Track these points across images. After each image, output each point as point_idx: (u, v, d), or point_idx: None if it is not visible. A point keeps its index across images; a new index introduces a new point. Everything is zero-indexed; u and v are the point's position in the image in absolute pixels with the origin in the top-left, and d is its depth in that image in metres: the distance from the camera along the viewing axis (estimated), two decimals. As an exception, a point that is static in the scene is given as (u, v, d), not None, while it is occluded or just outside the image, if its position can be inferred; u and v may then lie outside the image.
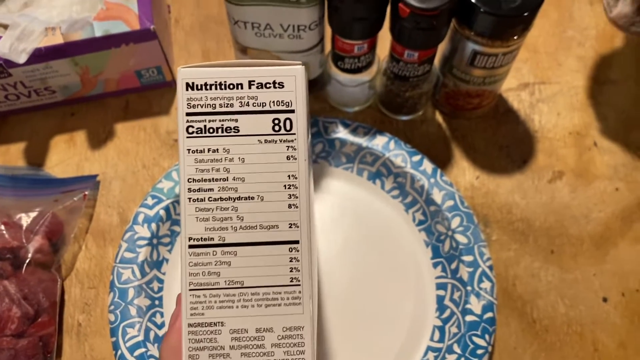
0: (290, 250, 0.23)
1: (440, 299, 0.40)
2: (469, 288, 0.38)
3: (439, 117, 0.47)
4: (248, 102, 0.23)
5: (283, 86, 0.23)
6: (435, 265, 0.41)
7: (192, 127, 0.23)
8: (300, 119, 0.23)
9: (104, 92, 0.46)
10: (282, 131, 0.23)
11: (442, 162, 0.45)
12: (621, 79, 0.48)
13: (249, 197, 0.23)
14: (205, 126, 0.23)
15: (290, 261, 0.23)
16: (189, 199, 0.23)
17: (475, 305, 0.38)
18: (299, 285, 0.23)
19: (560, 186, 0.44)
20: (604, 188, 0.44)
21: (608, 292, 0.40)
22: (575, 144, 0.45)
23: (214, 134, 0.23)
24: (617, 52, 0.50)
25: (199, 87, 0.23)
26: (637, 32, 0.41)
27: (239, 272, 0.23)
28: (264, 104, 0.23)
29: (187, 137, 0.23)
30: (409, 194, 0.43)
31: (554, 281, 0.40)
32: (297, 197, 0.23)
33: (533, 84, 0.48)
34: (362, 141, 0.44)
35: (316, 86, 0.47)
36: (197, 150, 0.23)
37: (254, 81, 0.23)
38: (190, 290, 0.23)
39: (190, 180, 0.23)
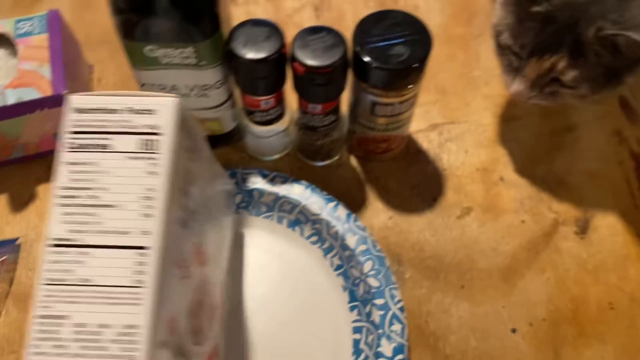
0: (140, 255, 0.25)
1: (356, 343, 0.41)
2: (380, 331, 0.40)
3: (353, 161, 0.49)
4: (123, 125, 0.27)
5: (154, 113, 0.27)
6: (352, 309, 0.42)
7: (72, 143, 0.27)
8: (167, 142, 0.27)
9: (24, 155, 0.47)
10: (148, 150, 0.26)
11: (358, 204, 0.47)
12: (525, 115, 0.51)
13: (109, 204, 0.26)
14: (82, 143, 0.27)
15: (139, 265, 0.25)
16: (58, 204, 0.26)
17: (387, 347, 0.39)
18: (143, 287, 0.25)
19: (469, 221, 0.46)
20: (511, 221, 0.46)
21: (516, 323, 0.42)
22: (482, 179, 0.48)
23: (89, 149, 0.27)
24: (521, 90, 0.52)
25: (84, 111, 0.27)
26: (536, 102, 0.44)
27: (90, 272, 0.26)
28: (135, 127, 0.27)
29: (66, 152, 0.27)
30: (327, 240, 0.44)
31: (465, 316, 0.42)
32: (153, 208, 0.26)
33: (442, 124, 0.51)
34: (280, 190, 0.45)
35: (234, 138, 0.48)
36: (72, 162, 0.26)
37: (131, 108, 0.27)
38: (43, 285, 0.25)
39: (61, 187, 0.26)
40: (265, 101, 0.42)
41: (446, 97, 0.52)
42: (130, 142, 0.27)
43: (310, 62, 0.38)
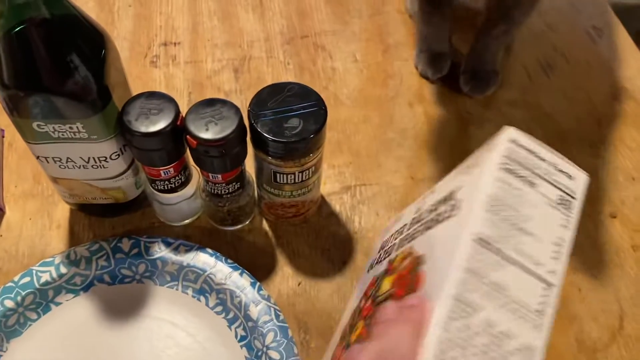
0: (545, 288, 0.27)
1: (259, 415, 0.40)
2: (280, 404, 0.39)
3: (265, 225, 0.49)
4: (548, 175, 0.30)
5: (572, 179, 0.30)
6: (255, 380, 0.41)
7: (504, 164, 0.29)
8: (577, 206, 0.30)
9: None
10: (564, 206, 0.30)
11: (267, 270, 0.46)
12: (436, 175, 0.52)
13: (529, 232, 0.28)
14: (512, 169, 0.29)
15: (543, 296, 0.27)
16: (486, 208, 0.28)
17: (287, 420, 0.38)
18: (544, 316, 0.27)
19: (378, 287, 0.46)
20: (419, 285, 0.46)
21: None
22: (392, 243, 0.48)
23: (517, 177, 0.29)
24: (432, 150, 0.53)
25: (519, 146, 0.30)
26: None
27: (505, 280, 0.27)
28: (557, 182, 0.30)
29: (498, 169, 0.29)
30: (231, 310, 0.43)
31: (369, 385, 0.42)
32: (560, 254, 0.28)
33: (355, 186, 0.51)
34: (184, 259, 0.45)
35: (141, 204, 0.48)
36: (501, 179, 0.29)
37: (556, 165, 0.30)
38: (460, 272, 0.26)
39: (490, 196, 0.28)
40: (164, 171, 0.42)
41: (360, 158, 0.53)
42: (551, 192, 0.30)
43: (203, 135, 0.38)
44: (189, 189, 0.45)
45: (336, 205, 0.50)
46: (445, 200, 0.34)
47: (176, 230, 0.48)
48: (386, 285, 0.35)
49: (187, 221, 0.48)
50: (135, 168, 0.44)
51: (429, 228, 0.34)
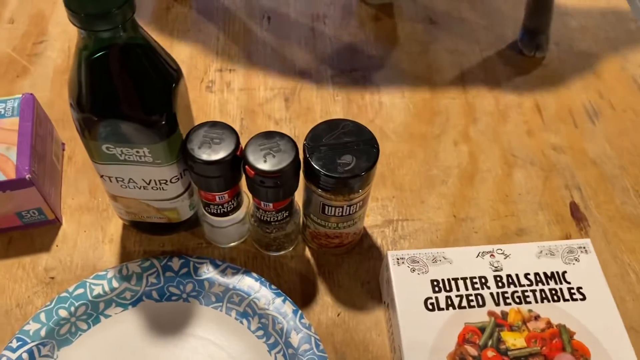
0: None
1: None
2: None
3: (308, 253, 0.50)
4: None
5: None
6: (292, 406, 0.42)
7: None
8: None
9: (-15, 231, 0.48)
10: None
11: (308, 298, 0.47)
12: (478, 215, 0.53)
13: None
14: None
15: None
16: None
17: None
18: None
19: (416, 323, 0.47)
20: (457, 324, 0.47)
21: None
22: (432, 280, 0.49)
23: None
24: (476, 190, 0.54)
25: None
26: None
27: None
28: None
29: None
30: (272, 335, 0.45)
31: (403, 421, 0.42)
32: None
33: (397, 220, 0.52)
34: (231, 282, 0.46)
35: (192, 224, 0.50)
36: None
37: None
38: None
39: None
40: (219, 196, 0.44)
41: (403, 193, 0.54)
42: None
43: (260, 166, 0.40)
44: (239, 214, 0.47)
45: (378, 238, 0.51)
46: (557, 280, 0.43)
47: (222, 252, 0.49)
48: (517, 341, 0.41)
49: (233, 244, 0.50)
50: (191, 191, 0.46)
51: (555, 300, 0.42)
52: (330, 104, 0.60)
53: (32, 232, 0.50)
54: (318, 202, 0.43)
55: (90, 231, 0.50)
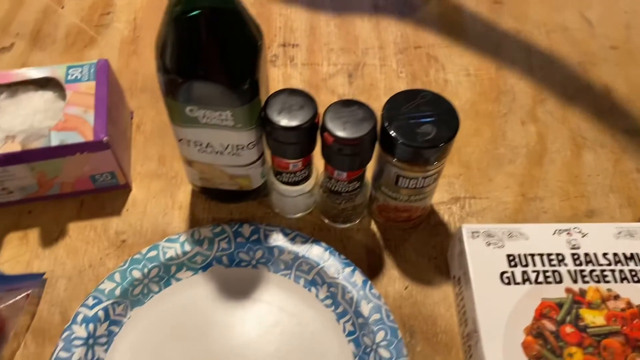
0: None
1: (363, 411, 0.41)
2: (387, 402, 0.40)
3: (374, 227, 0.50)
4: None
5: None
6: (360, 376, 0.42)
7: None
8: None
9: (60, 193, 0.49)
10: None
11: (374, 270, 0.47)
12: (547, 195, 0.52)
13: None
14: None
15: None
16: None
17: (393, 419, 0.39)
18: None
19: (484, 299, 0.46)
20: (526, 302, 0.46)
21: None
22: (500, 258, 0.48)
23: None
24: (544, 170, 0.53)
25: None
26: None
27: None
28: None
29: None
30: (341, 304, 0.45)
31: (473, 395, 0.42)
32: None
33: (464, 198, 0.51)
34: (300, 250, 0.46)
35: (260, 194, 0.50)
36: None
37: None
38: None
39: None
40: (293, 164, 0.44)
41: (470, 171, 0.53)
42: None
43: (340, 133, 0.40)
44: (308, 185, 0.47)
45: (445, 215, 0.50)
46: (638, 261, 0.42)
47: (289, 222, 0.50)
48: (596, 319, 0.40)
49: (300, 214, 0.50)
50: (264, 159, 0.46)
51: (635, 281, 0.41)
52: (394, 80, 0.60)
53: (103, 196, 0.51)
54: (392, 173, 0.43)
55: (159, 197, 0.51)
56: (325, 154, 0.42)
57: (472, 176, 0.53)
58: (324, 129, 0.40)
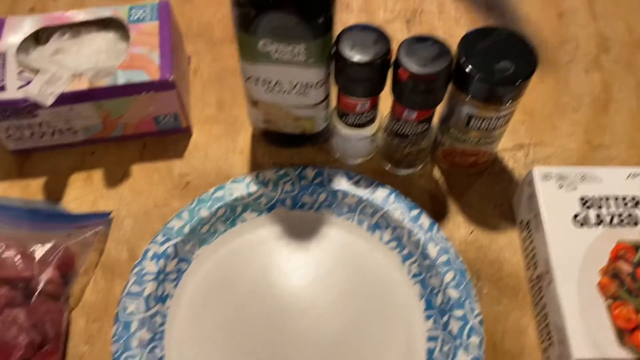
0: None
1: (430, 352, 0.41)
2: (457, 342, 0.40)
3: (436, 173, 0.49)
4: None
5: None
6: (427, 317, 0.42)
7: None
8: None
9: (123, 135, 0.50)
10: None
11: (438, 216, 0.47)
12: (613, 143, 0.50)
13: None
14: None
15: None
16: None
17: (463, 359, 0.39)
18: None
19: (551, 245, 0.45)
20: (594, 249, 0.45)
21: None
22: (567, 204, 0.47)
23: None
24: (610, 118, 0.52)
25: None
26: None
27: None
28: None
29: None
30: (406, 247, 0.44)
31: (542, 338, 0.42)
32: None
33: (528, 145, 0.50)
34: (364, 194, 0.46)
35: (321, 139, 0.49)
36: None
37: None
38: None
39: None
40: (361, 104, 0.43)
41: (534, 118, 0.52)
42: None
43: (415, 69, 0.39)
44: (372, 128, 0.46)
45: (509, 161, 0.50)
46: None
47: (348, 168, 0.49)
48: None
49: (360, 160, 0.50)
50: (329, 101, 0.45)
51: None
52: (453, 27, 0.58)
53: (165, 140, 0.51)
54: (464, 113, 0.42)
55: (220, 142, 0.51)
56: (397, 91, 0.41)
57: (536, 123, 0.52)
58: (398, 64, 0.39)
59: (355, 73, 0.40)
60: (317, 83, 0.42)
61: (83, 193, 0.48)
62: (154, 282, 0.42)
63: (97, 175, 0.49)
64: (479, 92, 0.40)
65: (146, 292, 0.41)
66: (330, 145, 0.50)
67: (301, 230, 0.46)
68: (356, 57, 0.39)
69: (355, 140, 0.47)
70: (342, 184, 0.46)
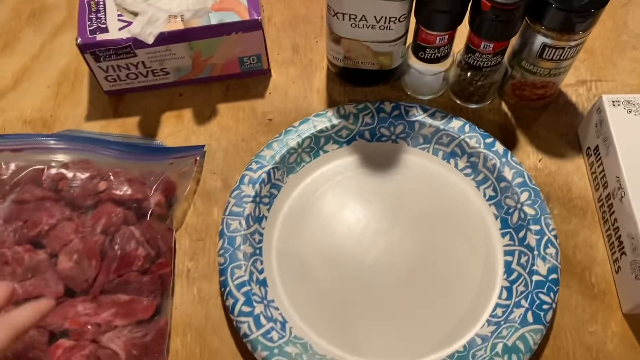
0: None
1: (507, 264, 0.44)
2: (535, 253, 0.43)
3: (504, 107, 0.52)
4: None
5: None
6: (503, 235, 0.46)
7: None
8: None
9: (209, 76, 0.53)
10: None
11: (509, 145, 0.50)
12: (673, 79, 0.53)
13: None
14: None
15: None
16: None
17: (542, 267, 0.43)
18: None
19: (617, 170, 0.48)
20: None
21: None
22: (630, 134, 0.50)
23: None
24: (669, 56, 0.54)
25: None
26: None
27: None
28: None
29: None
30: (481, 172, 0.48)
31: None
32: None
33: (590, 81, 0.53)
34: (440, 124, 0.49)
35: (394, 76, 0.53)
36: None
37: None
38: None
39: None
40: (440, 37, 0.46)
41: (594, 56, 0.55)
42: None
43: (497, -1, 0.42)
44: (446, 63, 0.50)
45: (572, 96, 0.52)
46: None
47: (422, 103, 0.52)
48: None
49: (431, 96, 0.53)
50: (406, 38, 0.48)
51: None
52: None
53: (247, 81, 0.54)
54: (538, 44, 0.45)
55: (297, 82, 0.54)
56: (477, 23, 0.44)
57: (597, 61, 0.54)
58: (480, -4, 0.42)
59: (438, 4, 0.43)
60: (400, 17, 0.45)
61: (175, 130, 0.52)
62: (251, 203, 0.46)
63: (187, 114, 0.53)
64: (555, 22, 0.43)
65: (246, 212, 0.45)
66: (403, 82, 0.53)
67: (380, 160, 0.50)
68: (440, -11, 0.42)
69: (430, 75, 0.50)
70: (418, 115, 0.50)
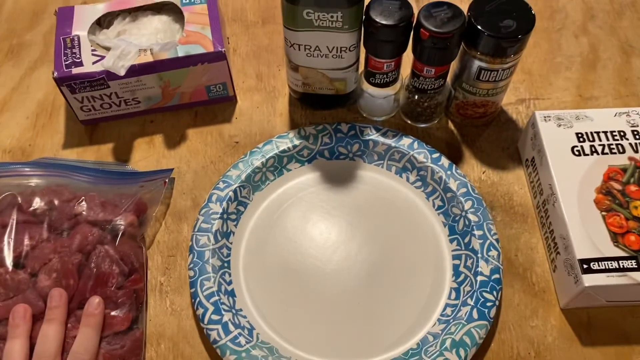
0: None
1: (455, 267, 0.49)
2: (479, 255, 0.47)
3: (451, 125, 0.57)
4: None
5: None
6: (451, 240, 0.50)
7: None
8: None
9: (178, 104, 0.57)
10: None
11: (455, 160, 0.55)
12: (602, 95, 0.58)
13: None
14: None
15: None
16: None
17: (485, 268, 0.47)
18: None
19: (553, 179, 0.53)
20: (589, 181, 0.53)
21: (594, 261, 0.49)
22: (564, 146, 0.55)
23: None
24: (598, 75, 0.60)
25: None
26: None
27: None
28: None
29: None
30: (430, 184, 0.52)
31: (549, 252, 0.49)
32: None
33: (528, 99, 0.58)
34: (391, 142, 0.54)
35: (350, 100, 0.57)
36: None
37: None
38: None
39: None
40: (387, 64, 0.51)
41: (532, 77, 0.60)
42: None
43: (434, 28, 0.47)
44: (395, 87, 0.54)
45: (513, 114, 0.58)
46: None
47: (376, 124, 0.57)
48: None
49: (384, 117, 0.57)
50: (358, 65, 0.53)
51: None
52: (457, 4, 0.66)
53: (214, 108, 0.58)
54: (475, 67, 0.50)
55: (262, 107, 0.59)
56: (418, 50, 0.49)
57: (535, 81, 0.60)
58: (419, 26, 0.47)
59: (383, 35, 0.48)
60: (350, 47, 0.50)
61: (147, 154, 0.55)
62: (219, 220, 0.49)
63: (158, 139, 0.56)
64: (487, 47, 0.48)
65: (214, 228, 0.49)
66: (359, 105, 0.57)
67: (339, 176, 0.54)
68: (383, 20, 0.47)
69: (381, 98, 0.55)
70: (372, 134, 0.54)
